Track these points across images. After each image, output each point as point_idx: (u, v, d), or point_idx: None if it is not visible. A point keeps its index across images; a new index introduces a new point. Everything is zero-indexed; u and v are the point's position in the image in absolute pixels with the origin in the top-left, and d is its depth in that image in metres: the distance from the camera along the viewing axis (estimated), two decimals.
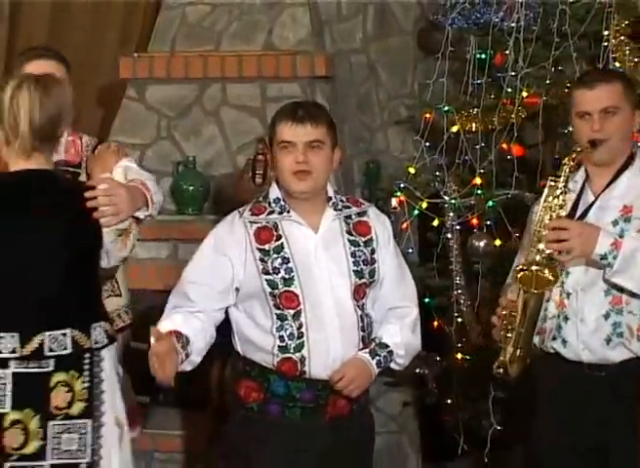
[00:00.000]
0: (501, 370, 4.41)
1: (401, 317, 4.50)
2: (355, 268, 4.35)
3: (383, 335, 4.42)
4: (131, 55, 7.51)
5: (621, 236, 4.31)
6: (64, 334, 4.07)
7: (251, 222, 4.35)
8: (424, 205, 6.78)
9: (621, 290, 4.33)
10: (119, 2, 7.64)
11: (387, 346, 4.39)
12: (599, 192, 4.47)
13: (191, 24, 7.56)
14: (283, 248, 4.30)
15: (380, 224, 4.51)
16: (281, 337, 4.26)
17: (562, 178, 4.39)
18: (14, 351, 4.04)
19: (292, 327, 4.26)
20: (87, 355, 4.13)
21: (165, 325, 4.22)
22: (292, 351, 4.26)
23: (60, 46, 6.85)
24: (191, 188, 7.10)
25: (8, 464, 4.02)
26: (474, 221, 6.63)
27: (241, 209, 4.45)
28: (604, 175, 4.47)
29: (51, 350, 4.04)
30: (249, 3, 7.47)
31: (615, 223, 4.39)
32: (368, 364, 4.32)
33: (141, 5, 7.71)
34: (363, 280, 4.36)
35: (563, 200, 4.40)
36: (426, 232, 6.99)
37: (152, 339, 4.04)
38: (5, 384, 4.03)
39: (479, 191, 6.63)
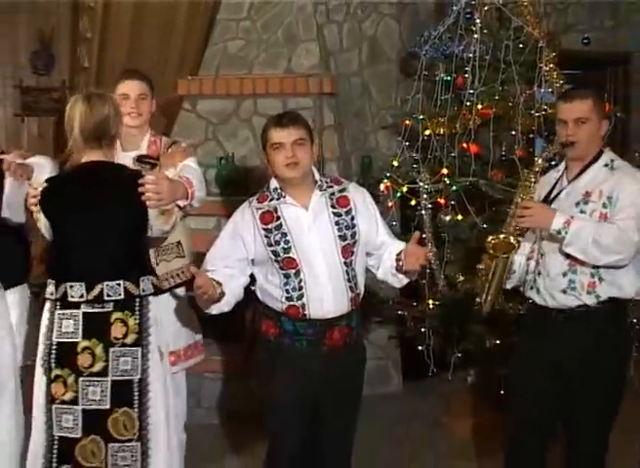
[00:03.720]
0: (478, 306, 4.53)
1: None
2: (339, 234, 4.35)
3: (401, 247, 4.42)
4: (186, 77, 7.55)
5: (583, 212, 4.39)
6: (119, 284, 4.14)
7: (257, 209, 4.36)
8: (405, 189, 6.79)
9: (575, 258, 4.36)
10: (178, 39, 7.64)
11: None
12: (571, 180, 4.51)
13: (230, 55, 7.63)
14: (281, 226, 4.32)
15: (358, 194, 4.52)
16: (287, 290, 4.31)
17: (535, 171, 4.44)
18: (82, 296, 4.13)
19: (294, 282, 4.28)
20: (137, 300, 4.20)
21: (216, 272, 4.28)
22: (295, 300, 4.30)
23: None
24: (231, 176, 7.16)
25: (81, 378, 4.09)
26: (442, 202, 6.61)
27: (251, 198, 4.47)
28: (576, 168, 4.50)
29: (108, 296, 4.12)
30: (274, 39, 7.54)
31: (577, 204, 4.43)
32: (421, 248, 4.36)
33: (194, 40, 7.71)
34: (347, 241, 4.36)
35: (534, 187, 4.44)
36: (406, 210, 6.94)
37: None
38: (78, 321, 4.12)
39: (446, 179, 6.61)
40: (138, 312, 4.20)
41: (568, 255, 4.38)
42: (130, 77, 5.09)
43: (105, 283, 4.15)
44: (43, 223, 4.30)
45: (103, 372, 4.11)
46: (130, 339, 4.16)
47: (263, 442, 4.58)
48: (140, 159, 4.95)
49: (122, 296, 4.16)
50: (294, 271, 4.31)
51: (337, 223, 4.38)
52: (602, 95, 7.26)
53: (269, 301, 4.41)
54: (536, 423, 4.62)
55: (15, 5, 8.72)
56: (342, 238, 4.37)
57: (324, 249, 4.34)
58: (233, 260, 4.39)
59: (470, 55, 6.70)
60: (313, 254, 4.32)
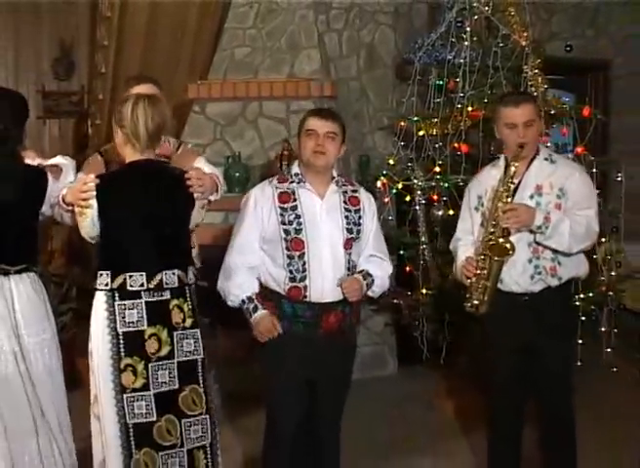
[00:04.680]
0: (474, 309, 4.46)
1: (379, 264, 4.52)
2: (347, 227, 4.36)
3: (369, 269, 4.43)
4: (196, 82, 7.54)
5: (539, 204, 4.45)
6: (174, 273, 4.12)
7: (276, 187, 4.38)
8: (400, 186, 6.81)
9: (551, 249, 4.45)
10: (188, 46, 7.63)
11: (372, 276, 4.42)
12: (520, 176, 4.50)
13: (237, 60, 7.59)
14: (297, 207, 4.32)
15: (367, 200, 4.53)
16: (290, 271, 4.28)
17: (511, 176, 4.41)
18: (142, 285, 4.08)
19: (297, 264, 4.27)
20: (187, 287, 4.19)
21: (245, 288, 4.37)
22: (297, 281, 4.27)
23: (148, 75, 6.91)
24: (237, 174, 7.10)
25: (150, 364, 4.06)
26: (435, 197, 6.67)
27: (270, 178, 4.49)
28: (523, 164, 4.50)
29: (166, 284, 4.09)
30: (277, 46, 7.51)
31: (531, 197, 4.47)
32: (362, 281, 4.38)
33: (203, 47, 7.69)
34: (352, 235, 4.37)
35: (511, 191, 4.43)
36: (401, 205, 6.95)
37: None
38: (142, 309, 4.08)
39: (438, 177, 6.69)
40: (189, 298, 4.21)
41: (530, 244, 4.47)
42: (141, 81, 5.00)
43: (164, 272, 4.12)
44: (90, 218, 4.15)
45: (170, 356, 4.11)
46: (188, 323, 4.17)
47: (261, 421, 4.56)
48: None
49: (176, 285, 4.15)
50: (298, 253, 4.30)
51: (346, 217, 4.40)
52: (584, 98, 7.40)
53: (272, 284, 4.37)
54: (511, 399, 4.68)
55: (38, 16, 8.78)
56: (349, 231, 4.39)
57: (331, 237, 4.35)
58: (255, 247, 4.40)
59: (461, 60, 6.76)
60: (321, 240, 4.32)
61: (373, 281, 4.45)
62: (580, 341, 6.15)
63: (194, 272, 4.37)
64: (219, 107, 7.49)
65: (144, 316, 4.08)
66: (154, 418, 4.07)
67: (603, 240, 6.64)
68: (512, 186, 4.43)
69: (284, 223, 4.31)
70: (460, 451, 5.83)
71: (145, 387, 4.06)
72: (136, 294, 4.09)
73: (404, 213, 6.91)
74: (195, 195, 4.23)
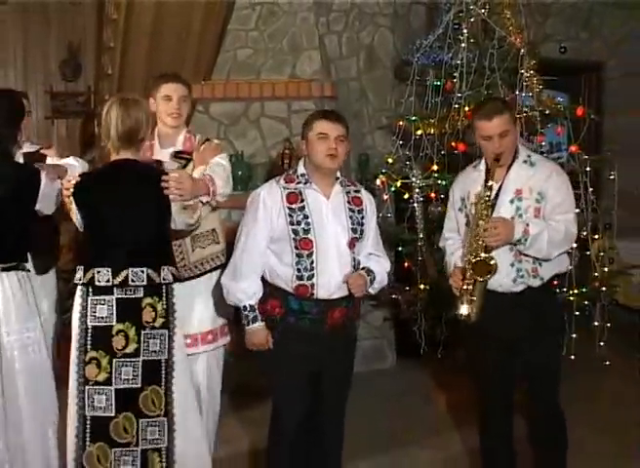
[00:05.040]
0: (465, 318, 4.44)
1: (378, 261, 4.52)
2: (352, 226, 4.36)
3: (370, 266, 4.42)
4: (200, 82, 7.48)
5: (519, 209, 4.44)
6: (142, 271, 4.09)
7: (284, 188, 4.35)
8: (399, 184, 6.81)
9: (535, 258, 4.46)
10: (192, 47, 7.60)
11: (373, 272, 4.41)
12: (501, 181, 4.48)
13: (240, 62, 7.57)
14: (304, 208, 4.30)
15: (368, 200, 4.52)
16: (298, 270, 4.25)
17: (487, 192, 4.40)
18: (108, 281, 4.08)
19: (306, 262, 4.25)
20: (163, 287, 4.15)
21: (249, 295, 4.34)
22: (305, 279, 4.26)
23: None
24: (240, 172, 7.05)
25: (115, 359, 4.05)
26: (432, 195, 6.64)
27: (276, 178, 4.45)
28: (503, 169, 4.49)
29: (132, 281, 4.07)
30: (279, 47, 7.51)
31: (512, 202, 4.45)
32: (367, 277, 4.36)
33: (207, 49, 7.66)
34: (355, 235, 4.36)
35: (490, 209, 4.41)
36: (400, 202, 6.94)
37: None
38: (112, 306, 4.07)
39: (436, 175, 6.67)
40: (165, 298, 4.17)
41: (511, 248, 4.45)
42: (172, 80, 4.96)
43: (130, 269, 4.10)
44: (75, 214, 4.28)
45: (136, 353, 4.08)
46: (158, 323, 4.14)
47: (266, 412, 4.55)
48: (176, 155, 4.88)
49: (145, 283, 4.11)
50: (307, 252, 4.28)
51: (350, 217, 4.40)
52: (578, 99, 7.40)
53: (278, 281, 4.35)
54: (500, 393, 4.68)
55: (46, 19, 8.79)
56: (354, 231, 4.40)
57: (337, 236, 4.35)
58: (269, 237, 4.37)
59: (458, 62, 6.73)
60: (328, 239, 4.32)
61: (374, 277, 4.44)
62: (574, 335, 6.25)
63: (174, 272, 4.30)
64: (222, 107, 7.48)
65: (114, 312, 4.09)
66: (112, 413, 4.07)
67: (596, 237, 6.67)
68: (490, 204, 4.39)
69: (292, 223, 4.29)
70: (456, 443, 5.84)
71: (108, 381, 4.07)
72: (107, 290, 4.11)
73: (402, 210, 6.91)
74: (171, 197, 4.18)
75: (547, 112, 6.53)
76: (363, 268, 4.42)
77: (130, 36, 7.77)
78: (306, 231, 4.29)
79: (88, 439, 4.08)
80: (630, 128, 9.41)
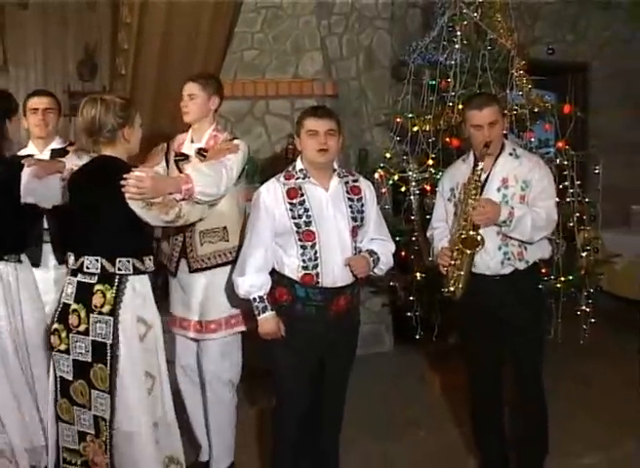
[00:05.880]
0: (451, 294, 4.53)
1: (382, 243, 4.48)
2: (352, 215, 4.33)
3: (373, 248, 4.41)
4: None
5: (505, 196, 4.54)
6: (97, 260, 4.09)
7: (284, 184, 4.32)
8: (396, 177, 6.80)
9: (519, 240, 4.54)
10: (201, 49, 7.58)
11: (376, 253, 4.39)
12: (488, 171, 4.57)
13: (246, 62, 7.56)
14: (304, 201, 4.27)
15: (367, 188, 4.48)
16: (303, 260, 4.24)
17: (478, 175, 4.48)
18: (72, 264, 4.17)
19: (310, 253, 4.23)
20: (117, 277, 4.12)
21: (257, 287, 4.31)
22: (310, 269, 4.23)
23: (164, 77, 6.89)
24: (246, 167, 6.94)
25: (71, 334, 4.12)
26: (428, 188, 6.60)
27: (277, 175, 4.41)
28: (490, 159, 4.57)
29: (87, 268, 4.10)
30: (283, 49, 7.49)
31: (498, 190, 4.55)
32: (369, 258, 4.35)
33: (215, 50, 7.64)
34: (356, 223, 4.33)
35: (479, 189, 4.49)
36: (397, 195, 6.91)
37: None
38: (74, 286, 4.15)
39: (431, 169, 6.64)
40: (115, 287, 4.12)
41: (498, 233, 4.54)
42: (186, 79, 4.94)
43: (86, 257, 4.13)
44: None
45: (86, 333, 4.13)
46: (105, 309, 4.11)
47: (271, 393, 4.53)
48: (199, 151, 4.84)
49: (99, 271, 4.12)
50: (310, 243, 4.26)
51: (350, 207, 4.36)
52: (565, 97, 7.38)
53: (285, 271, 4.32)
54: (489, 371, 4.73)
55: (64, 23, 8.81)
56: (354, 219, 4.37)
57: (338, 226, 4.32)
58: (274, 233, 4.34)
59: (452, 62, 6.73)
60: (329, 230, 4.29)
61: (378, 258, 4.41)
62: (560, 320, 6.33)
63: (136, 265, 4.17)
64: (229, 105, 7.31)
65: (74, 293, 4.17)
66: (71, 378, 4.19)
67: (582, 228, 6.65)
68: (480, 185, 4.49)
69: (294, 217, 4.26)
70: (449, 421, 5.87)
71: (67, 351, 4.16)
72: (74, 273, 4.20)
73: (399, 202, 6.87)
74: (127, 195, 4.06)
75: (536, 110, 6.53)
76: (366, 251, 4.39)
77: (143, 39, 7.81)
78: (308, 224, 4.26)
79: (58, 394, 4.24)
80: (613, 125, 9.58)
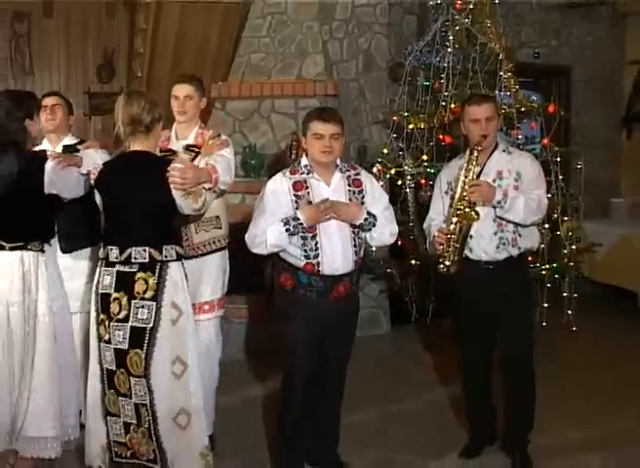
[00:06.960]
0: (446, 269, 4.44)
1: (386, 218, 4.35)
2: None
3: (375, 214, 4.31)
4: (218, 82, 7.48)
5: (500, 187, 4.49)
6: (145, 250, 4.01)
7: (290, 178, 4.28)
8: (393, 172, 6.77)
9: (509, 222, 4.50)
10: (212, 53, 7.55)
11: (374, 215, 4.28)
12: (483, 164, 4.55)
13: (253, 64, 7.51)
14: (309, 194, 4.23)
15: (367, 180, 4.40)
16: (305, 250, 4.19)
17: (475, 157, 4.45)
18: (116, 257, 4.04)
19: (311, 243, 4.19)
20: (158, 263, 4.05)
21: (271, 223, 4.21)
22: (311, 258, 4.19)
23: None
24: (253, 162, 7.06)
25: (112, 323, 4.02)
26: (422, 182, 6.60)
27: (283, 170, 4.37)
28: (485, 155, 4.55)
29: (135, 258, 4.02)
30: (287, 52, 7.44)
31: (494, 181, 4.51)
32: (361, 207, 4.26)
33: (224, 54, 7.63)
34: None
35: (475, 170, 4.45)
36: (394, 188, 6.85)
37: None
38: (113, 277, 4.04)
39: (425, 164, 6.64)
40: (157, 274, 4.05)
41: (494, 219, 4.51)
42: (179, 81, 4.88)
43: (133, 248, 4.04)
44: (97, 198, 4.21)
45: (126, 319, 4.03)
46: (148, 295, 4.04)
47: (279, 372, 4.50)
48: (187, 147, 4.77)
49: (147, 260, 4.04)
50: (311, 234, 4.20)
51: (350, 199, 4.30)
52: (549, 98, 7.37)
53: (289, 258, 4.28)
54: (481, 352, 4.71)
55: (85, 30, 8.97)
56: None
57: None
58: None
59: (445, 64, 6.74)
60: (330, 222, 4.22)
61: (375, 219, 4.29)
62: (545, 305, 6.39)
63: (179, 250, 4.15)
64: (237, 104, 7.44)
65: (114, 283, 4.06)
66: (114, 368, 4.07)
67: (565, 219, 6.68)
68: (476, 165, 4.47)
69: (298, 209, 4.21)
70: (441, 396, 5.83)
71: (109, 341, 4.06)
72: (112, 264, 4.08)
73: (396, 195, 6.80)
74: (172, 185, 4.01)
75: (523, 109, 6.53)
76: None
77: (157, 44, 7.97)
78: None
79: (106, 386, 4.10)
80: (594, 124, 9.70)
